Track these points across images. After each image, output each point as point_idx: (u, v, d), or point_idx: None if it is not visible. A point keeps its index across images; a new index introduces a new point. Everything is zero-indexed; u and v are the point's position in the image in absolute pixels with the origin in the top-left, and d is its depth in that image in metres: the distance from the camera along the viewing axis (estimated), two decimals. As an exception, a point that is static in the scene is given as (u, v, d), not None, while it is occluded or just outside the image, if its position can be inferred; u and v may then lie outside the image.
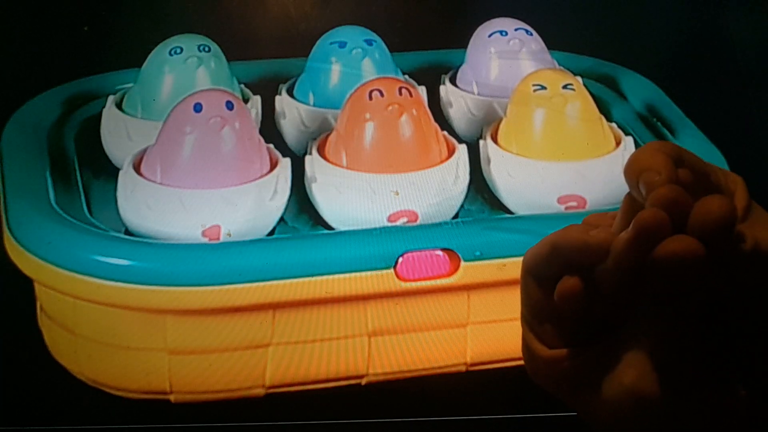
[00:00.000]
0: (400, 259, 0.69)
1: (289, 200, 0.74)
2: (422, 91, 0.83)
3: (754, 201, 0.32)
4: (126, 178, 0.72)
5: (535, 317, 0.34)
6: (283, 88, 0.85)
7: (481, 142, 0.79)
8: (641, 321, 0.31)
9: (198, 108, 0.72)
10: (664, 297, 0.29)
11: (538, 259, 0.33)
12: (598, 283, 0.30)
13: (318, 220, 0.75)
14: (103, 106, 0.82)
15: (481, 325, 0.71)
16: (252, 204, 0.71)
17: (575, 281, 0.31)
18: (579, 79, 0.79)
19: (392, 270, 0.69)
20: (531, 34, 0.85)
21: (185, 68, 0.80)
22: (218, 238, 0.70)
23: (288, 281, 0.67)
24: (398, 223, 0.72)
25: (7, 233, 0.71)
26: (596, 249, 0.30)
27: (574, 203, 0.74)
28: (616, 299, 0.30)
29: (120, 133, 0.80)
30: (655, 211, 0.28)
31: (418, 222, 0.73)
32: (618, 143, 0.77)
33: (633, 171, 0.30)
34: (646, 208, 0.28)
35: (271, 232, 0.74)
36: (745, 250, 0.29)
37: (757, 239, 0.29)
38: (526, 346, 0.35)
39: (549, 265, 0.32)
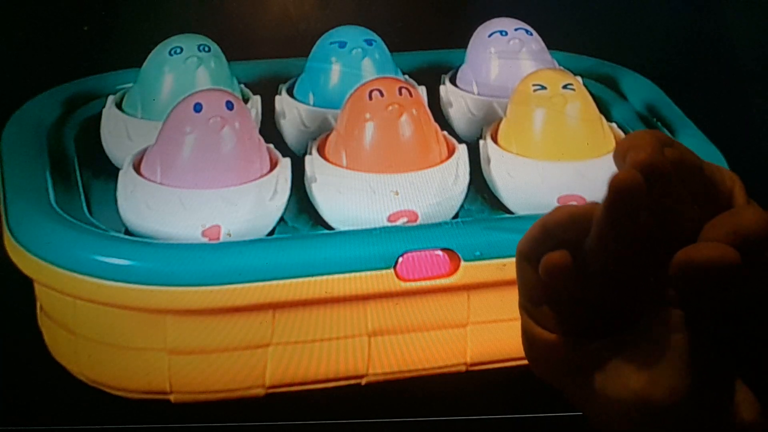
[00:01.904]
0: (400, 259, 0.69)
1: (289, 200, 0.74)
2: (422, 91, 0.83)
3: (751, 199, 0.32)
4: (126, 178, 0.72)
5: (531, 300, 0.34)
6: (283, 88, 0.85)
7: (481, 142, 0.79)
8: (656, 323, 0.30)
9: (198, 108, 0.72)
10: (692, 303, 0.29)
11: (530, 241, 0.33)
12: (586, 258, 0.30)
13: (318, 220, 0.75)
14: (103, 106, 0.82)
15: (481, 325, 0.71)
16: (252, 204, 0.71)
17: (560, 253, 0.31)
18: (579, 79, 0.79)
19: (392, 270, 0.69)
20: (531, 34, 0.85)
21: (185, 68, 0.80)
22: (218, 238, 0.70)
23: (288, 281, 0.67)
24: (398, 223, 0.72)
25: (7, 233, 0.71)
26: (581, 218, 0.30)
27: (574, 203, 0.74)
28: (601, 273, 0.30)
29: (120, 133, 0.80)
30: (630, 171, 0.28)
31: (418, 222, 0.73)
32: (618, 143, 0.77)
33: (620, 152, 0.30)
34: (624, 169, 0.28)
35: (271, 232, 0.74)
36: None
37: None
38: (525, 332, 0.35)
39: (540, 245, 0.32)
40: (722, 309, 0.29)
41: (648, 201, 0.28)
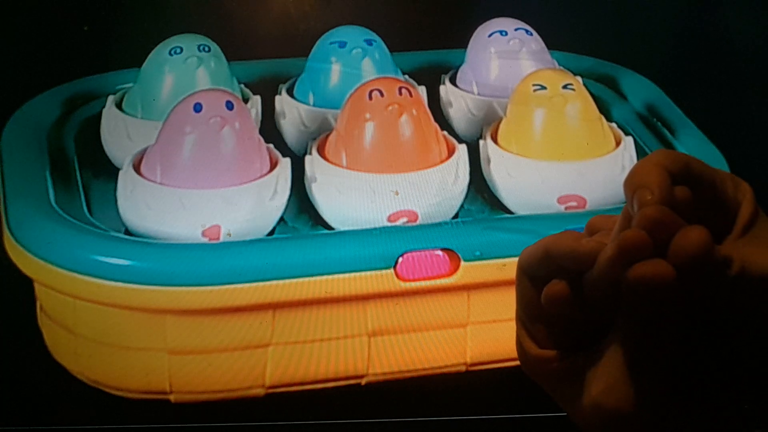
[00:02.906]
0: (400, 259, 0.69)
1: (289, 200, 0.74)
2: (422, 91, 0.83)
3: (762, 211, 0.32)
4: (126, 178, 0.72)
5: (527, 316, 0.35)
6: (283, 88, 0.85)
7: (481, 142, 0.79)
8: (615, 336, 0.31)
9: (198, 108, 0.72)
10: (636, 316, 0.30)
11: (532, 260, 0.33)
12: (584, 289, 0.31)
13: (318, 220, 0.75)
14: (103, 106, 0.82)
15: (481, 325, 0.71)
16: (252, 204, 0.71)
17: (561, 285, 0.32)
18: (579, 79, 0.79)
19: (392, 270, 0.69)
20: (531, 34, 0.85)
21: (185, 68, 0.80)
22: (218, 238, 0.70)
23: (288, 281, 0.67)
24: (398, 223, 0.72)
25: (7, 233, 0.71)
26: (584, 257, 0.31)
27: (573, 203, 0.74)
28: (599, 307, 0.31)
29: (120, 133, 0.80)
30: (637, 232, 0.28)
31: (418, 222, 0.73)
32: (618, 143, 0.77)
33: (629, 186, 0.30)
34: (632, 226, 0.29)
35: (271, 232, 0.74)
36: (730, 275, 0.29)
37: (745, 263, 0.29)
38: (519, 342, 0.36)
39: (541, 267, 0.33)
40: (672, 322, 0.30)
41: (653, 252, 0.28)
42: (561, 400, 0.35)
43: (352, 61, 0.82)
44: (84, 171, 0.79)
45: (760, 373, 0.31)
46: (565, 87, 0.76)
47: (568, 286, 0.31)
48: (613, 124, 0.80)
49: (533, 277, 0.33)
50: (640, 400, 0.31)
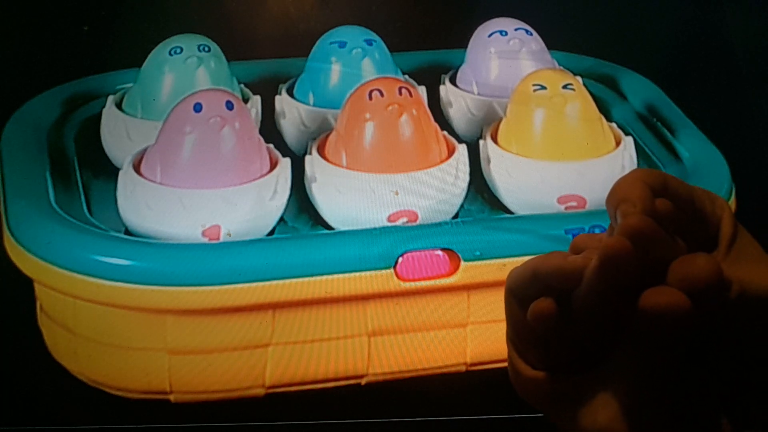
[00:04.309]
0: (400, 259, 0.69)
1: (289, 200, 0.74)
2: (422, 91, 0.83)
3: (740, 225, 0.32)
4: (126, 178, 0.72)
5: (518, 336, 0.35)
6: (283, 88, 0.85)
7: (481, 142, 0.79)
8: (623, 361, 0.31)
9: (198, 108, 0.72)
10: (649, 344, 0.30)
11: (520, 280, 0.33)
12: (573, 306, 0.31)
13: (318, 220, 0.75)
14: (103, 106, 0.82)
15: (481, 325, 0.71)
16: (252, 204, 0.71)
17: (548, 303, 0.31)
18: (579, 79, 0.79)
19: (392, 270, 0.69)
20: (531, 34, 0.85)
21: (185, 68, 0.80)
22: (218, 238, 0.70)
23: (288, 281, 0.67)
24: (398, 223, 0.72)
25: (7, 233, 0.71)
26: (571, 274, 0.31)
27: (574, 203, 0.74)
28: (588, 324, 0.31)
29: (120, 133, 0.80)
30: (619, 239, 0.28)
31: (418, 222, 0.73)
32: (618, 143, 0.77)
33: (611, 202, 0.31)
34: (615, 235, 0.29)
35: (271, 232, 0.74)
36: (731, 298, 0.29)
37: (743, 284, 0.29)
38: (511, 364, 0.36)
39: (529, 288, 0.33)
40: (683, 349, 0.30)
41: (637, 262, 0.29)
42: (556, 420, 0.34)
43: (352, 61, 0.82)
44: (84, 171, 0.79)
45: (760, 387, 0.31)
46: (565, 87, 0.76)
47: (554, 303, 0.31)
48: (613, 124, 0.80)
49: (522, 299, 0.33)
50: (651, 426, 0.30)
